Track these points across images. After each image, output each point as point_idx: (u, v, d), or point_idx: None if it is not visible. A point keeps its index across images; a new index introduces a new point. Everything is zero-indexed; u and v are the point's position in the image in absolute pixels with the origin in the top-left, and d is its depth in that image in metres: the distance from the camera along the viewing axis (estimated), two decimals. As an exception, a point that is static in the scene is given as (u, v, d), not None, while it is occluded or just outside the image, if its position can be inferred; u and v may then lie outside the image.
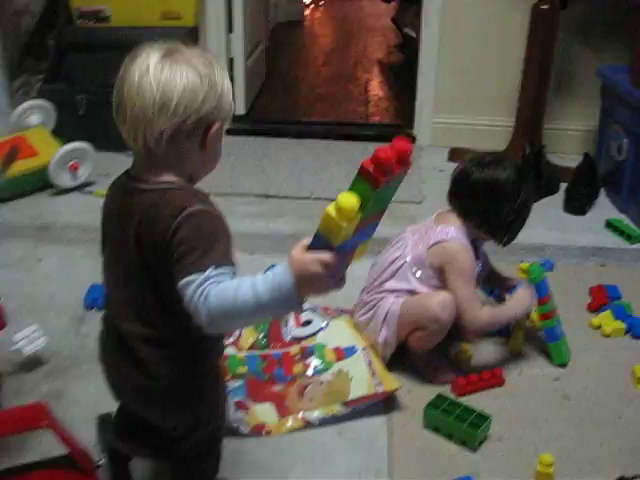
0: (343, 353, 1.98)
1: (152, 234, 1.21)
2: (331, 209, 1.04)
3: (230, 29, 3.56)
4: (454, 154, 3.36)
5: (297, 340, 2.02)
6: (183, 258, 1.17)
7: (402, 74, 4.60)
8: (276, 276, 1.10)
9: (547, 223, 2.75)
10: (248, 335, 2.03)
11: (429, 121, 3.54)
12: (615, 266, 2.66)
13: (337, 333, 2.05)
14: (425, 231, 2.04)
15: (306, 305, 2.12)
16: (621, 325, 2.25)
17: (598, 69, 3.14)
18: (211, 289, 1.12)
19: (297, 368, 1.95)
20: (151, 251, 1.22)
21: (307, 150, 3.42)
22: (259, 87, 4.23)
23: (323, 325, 2.06)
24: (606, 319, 2.28)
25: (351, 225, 1.05)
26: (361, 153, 3.35)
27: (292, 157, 3.33)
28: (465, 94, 3.50)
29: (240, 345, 2.00)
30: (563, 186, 3.04)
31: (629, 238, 2.68)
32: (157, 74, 1.18)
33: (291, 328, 2.05)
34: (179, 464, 1.49)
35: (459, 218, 2.03)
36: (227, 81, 1.27)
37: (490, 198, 1.98)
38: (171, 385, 1.33)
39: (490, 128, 3.49)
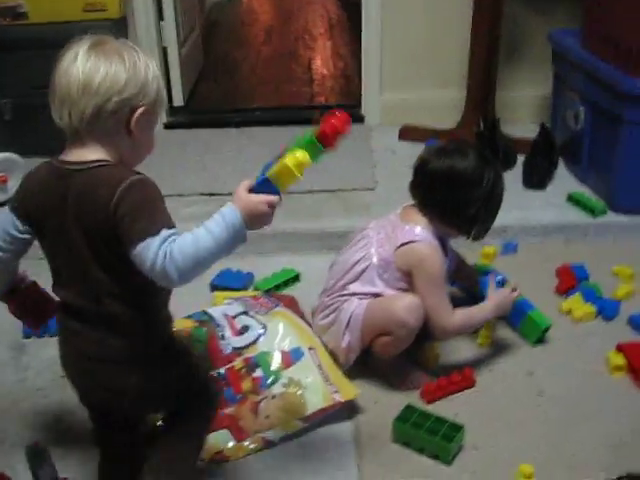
0: (290, 357, 1.85)
1: (92, 212, 1.26)
2: (291, 163, 1.27)
3: (161, 17, 3.35)
4: (405, 133, 3.22)
5: (238, 351, 1.87)
6: (132, 226, 1.23)
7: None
8: (226, 217, 1.25)
9: (507, 201, 2.55)
10: None
11: (377, 99, 3.39)
12: (580, 242, 2.55)
13: (278, 335, 1.90)
14: (392, 229, 1.90)
15: (239, 308, 1.99)
16: (591, 309, 2.14)
17: (549, 33, 3.02)
18: (172, 247, 1.21)
19: (246, 385, 1.81)
20: (94, 230, 1.27)
21: (250, 140, 3.23)
22: (197, 75, 4.03)
23: (261, 331, 1.90)
24: (575, 303, 2.17)
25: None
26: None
27: (235, 148, 3.15)
28: (413, 69, 3.36)
29: None
30: (520, 159, 2.93)
31: (592, 212, 2.58)
32: (83, 60, 1.27)
33: (229, 339, 1.89)
34: (172, 420, 1.52)
35: (421, 212, 1.91)
36: (154, 69, 1.34)
37: (447, 187, 1.86)
38: (129, 347, 1.36)
39: (441, 103, 3.35)
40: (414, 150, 3.12)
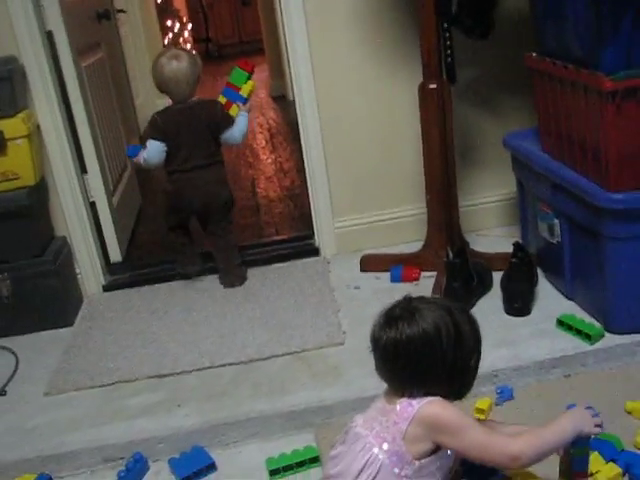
0: None
1: (212, 115, 2.84)
2: (253, 82, 2.96)
3: (84, 170, 3.06)
4: (366, 263, 2.94)
5: None
6: (225, 121, 2.86)
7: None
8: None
9: (490, 336, 2.30)
10: None
11: (330, 227, 3.10)
12: (580, 374, 2.25)
13: None
14: (385, 418, 1.58)
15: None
16: (616, 469, 1.82)
17: (504, 138, 2.79)
18: (240, 125, 2.91)
19: None
20: (212, 124, 2.83)
21: (199, 292, 2.94)
22: (135, 219, 3.73)
23: None
24: (596, 464, 1.83)
25: None
26: (260, 283, 2.91)
27: (183, 307, 2.83)
28: (363, 188, 3.10)
29: None
30: (496, 275, 2.65)
31: (588, 337, 2.28)
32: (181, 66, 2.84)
33: None
34: (219, 238, 2.99)
35: (396, 393, 1.59)
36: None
37: (407, 359, 1.56)
38: (223, 176, 2.98)
39: (400, 220, 3.11)
40: (380, 283, 2.87)
